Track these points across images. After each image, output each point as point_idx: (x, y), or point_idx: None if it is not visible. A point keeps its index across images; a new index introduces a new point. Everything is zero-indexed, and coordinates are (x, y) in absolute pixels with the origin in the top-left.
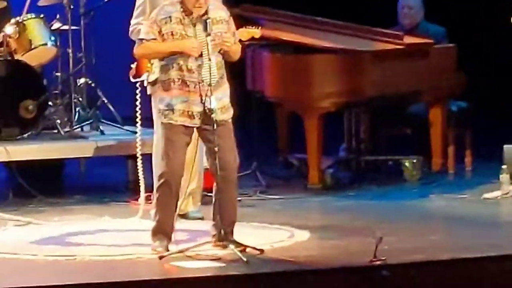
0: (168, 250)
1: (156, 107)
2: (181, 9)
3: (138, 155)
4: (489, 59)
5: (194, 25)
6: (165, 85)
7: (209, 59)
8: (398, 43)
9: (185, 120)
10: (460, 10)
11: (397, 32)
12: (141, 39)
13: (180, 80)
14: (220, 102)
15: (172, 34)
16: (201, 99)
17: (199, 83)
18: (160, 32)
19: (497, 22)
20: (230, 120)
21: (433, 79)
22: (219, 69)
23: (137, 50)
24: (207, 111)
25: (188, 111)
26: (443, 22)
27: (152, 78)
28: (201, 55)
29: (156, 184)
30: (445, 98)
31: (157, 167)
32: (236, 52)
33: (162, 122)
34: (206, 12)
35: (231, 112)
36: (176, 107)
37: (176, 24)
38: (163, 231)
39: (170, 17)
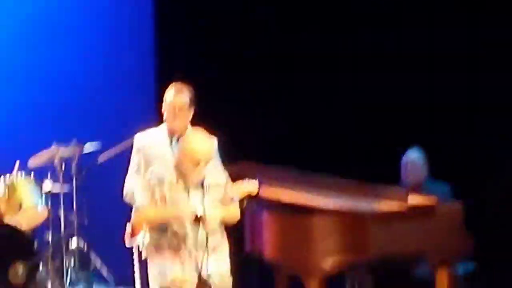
0: None
1: (151, 271)
2: (175, 173)
3: None
4: (498, 216)
5: (188, 190)
6: (157, 250)
7: (204, 223)
8: (402, 203)
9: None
10: (466, 165)
11: (401, 191)
12: (135, 207)
13: (174, 246)
14: (218, 270)
15: (164, 200)
16: (196, 267)
17: (194, 249)
18: (153, 195)
19: (505, 177)
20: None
21: (439, 240)
22: (216, 233)
23: (133, 219)
24: (202, 279)
25: (180, 280)
26: (448, 178)
27: (147, 240)
28: (196, 220)
29: None
30: (452, 260)
31: None
32: (232, 217)
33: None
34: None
35: (230, 281)
36: (168, 276)
37: (168, 189)
38: None
39: (163, 181)
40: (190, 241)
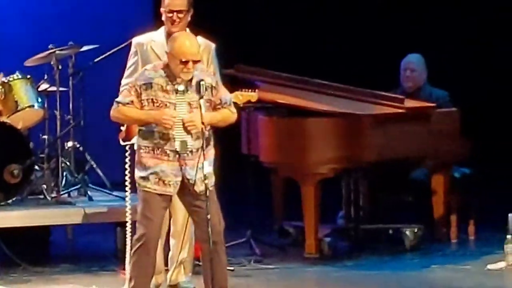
0: None
1: (139, 172)
2: (165, 74)
3: (127, 222)
4: (494, 124)
5: (176, 92)
6: (144, 152)
7: (202, 123)
8: (399, 106)
9: (159, 188)
10: (464, 73)
11: (398, 96)
12: (117, 102)
13: (160, 149)
14: (202, 170)
15: (152, 101)
16: (181, 169)
17: (180, 151)
18: (139, 97)
19: (502, 85)
20: (213, 186)
21: (436, 144)
22: (205, 136)
23: (112, 113)
24: (186, 181)
25: (164, 180)
26: (446, 86)
27: (136, 142)
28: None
29: (132, 248)
30: (448, 164)
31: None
32: (225, 119)
33: (139, 185)
34: (191, 77)
35: (213, 178)
36: (152, 176)
37: (158, 91)
38: None
39: (151, 83)
40: (176, 143)
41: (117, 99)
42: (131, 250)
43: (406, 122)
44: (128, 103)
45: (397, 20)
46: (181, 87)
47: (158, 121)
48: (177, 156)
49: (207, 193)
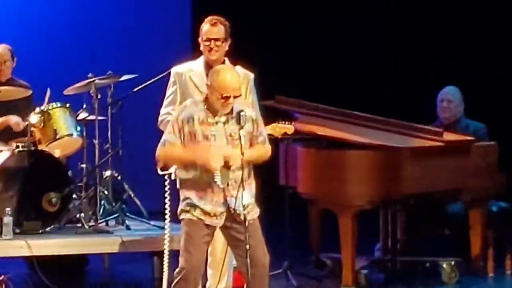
0: None
1: (182, 203)
2: (204, 107)
3: (165, 251)
4: None
5: (217, 124)
6: (187, 184)
7: (242, 154)
8: (438, 139)
9: (205, 218)
10: (501, 107)
11: (437, 129)
12: (165, 141)
13: (203, 181)
14: (245, 201)
15: (194, 135)
16: (225, 200)
17: (224, 184)
18: (180, 131)
19: None
20: (256, 218)
21: (473, 178)
22: (245, 168)
23: (159, 151)
24: (232, 211)
25: (209, 213)
26: (484, 119)
27: (178, 173)
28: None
29: (174, 281)
30: (486, 199)
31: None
32: (260, 156)
33: (182, 218)
34: (231, 110)
35: (257, 210)
36: (197, 205)
37: (198, 125)
38: None
39: (192, 117)
40: (219, 177)
41: (164, 137)
42: (170, 282)
43: (444, 155)
44: (171, 141)
45: (434, 53)
46: (222, 119)
47: (204, 162)
48: (220, 188)
49: (246, 224)
